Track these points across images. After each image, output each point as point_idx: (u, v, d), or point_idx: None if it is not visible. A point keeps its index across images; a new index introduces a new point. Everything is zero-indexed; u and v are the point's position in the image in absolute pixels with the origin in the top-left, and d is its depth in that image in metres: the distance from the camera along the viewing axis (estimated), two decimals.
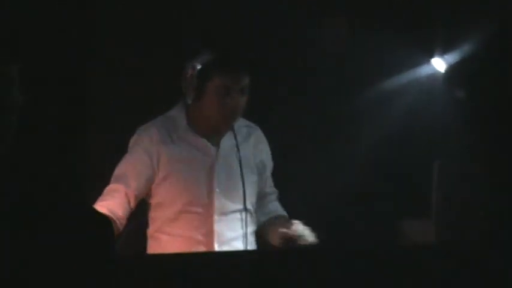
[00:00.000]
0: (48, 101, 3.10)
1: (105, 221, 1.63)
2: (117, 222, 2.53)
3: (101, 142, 3.23)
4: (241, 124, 2.76)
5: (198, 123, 2.69)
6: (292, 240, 2.53)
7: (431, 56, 3.36)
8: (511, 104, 3.09)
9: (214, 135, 2.70)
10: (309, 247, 2.52)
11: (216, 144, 2.70)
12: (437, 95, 3.37)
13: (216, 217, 2.65)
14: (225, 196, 2.67)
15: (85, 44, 3.24)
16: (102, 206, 2.52)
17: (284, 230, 2.56)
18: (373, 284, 2.10)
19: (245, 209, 2.68)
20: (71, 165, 3.14)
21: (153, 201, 2.67)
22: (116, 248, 1.70)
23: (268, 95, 3.35)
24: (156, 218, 2.68)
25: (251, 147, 2.76)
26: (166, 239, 2.65)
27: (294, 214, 2.85)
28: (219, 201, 2.66)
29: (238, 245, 2.67)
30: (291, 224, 2.57)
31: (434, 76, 3.37)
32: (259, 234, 2.81)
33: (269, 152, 2.84)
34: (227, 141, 2.70)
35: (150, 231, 2.70)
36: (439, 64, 3.36)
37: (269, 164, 2.83)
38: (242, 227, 2.69)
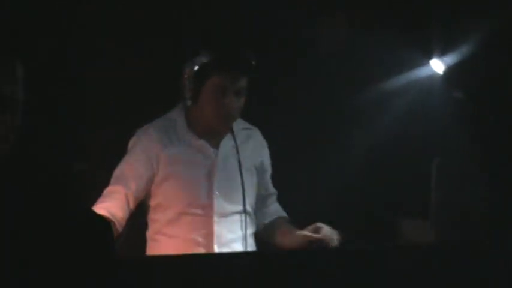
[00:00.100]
0: (47, 101, 3.10)
1: (104, 222, 1.63)
2: (117, 223, 2.52)
3: (101, 143, 3.23)
4: (241, 126, 2.76)
5: (197, 124, 2.69)
6: (320, 243, 2.50)
7: (430, 58, 3.37)
8: (508, 104, 3.09)
9: (213, 137, 2.70)
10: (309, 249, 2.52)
11: (216, 146, 2.70)
12: (435, 96, 3.37)
13: (215, 219, 2.65)
14: (225, 198, 2.67)
15: (85, 44, 3.24)
16: (102, 207, 2.52)
17: (308, 233, 2.53)
18: (373, 284, 2.10)
19: (244, 211, 2.68)
20: (70, 166, 3.14)
21: (153, 202, 2.67)
22: (116, 249, 1.70)
23: (267, 96, 3.35)
24: (156, 220, 2.67)
25: (250, 149, 2.76)
26: (166, 240, 2.65)
27: (293, 214, 2.86)
28: (218, 203, 2.66)
29: (237, 247, 2.67)
30: (319, 227, 2.54)
31: (433, 77, 3.38)
32: (261, 236, 2.81)
33: (268, 154, 2.84)
34: (226, 143, 2.70)
35: (149, 232, 2.70)
36: (437, 65, 3.36)
37: (268, 166, 2.83)
38: (241, 229, 2.69)
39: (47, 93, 3.10)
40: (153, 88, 3.28)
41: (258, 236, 2.80)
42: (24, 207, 1.52)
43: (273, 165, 2.86)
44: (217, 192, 2.66)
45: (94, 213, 1.66)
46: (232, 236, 2.67)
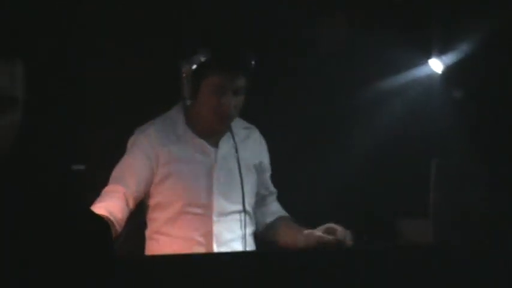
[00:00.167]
0: (47, 101, 3.10)
1: (103, 222, 1.63)
2: (116, 223, 2.51)
3: (101, 143, 3.23)
4: (240, 125, 2.76)
5: (196, 123, 2.69)
6: (335, 245, 2.48)
7: (429, 57, 3.37)
8: (508, 103, 3.09)
9: (212, 136, 2.70)
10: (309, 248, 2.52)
11: (215, 145, 2.70)
12: (434, 95, 3.37)
13: (214, 218, 2.65)
14: (224, 197, 2.67)
15: (85, 44, 3.24)
16: (101, 207, 2.51)
17: (321, 234, 2.50)
18: (373, 284, 2.10)
19: (244, 210, 2.68)
20: (69, 165, 3.14)
21: (152, 202, 2.67)
22: (115, 249, 1.70)
23: (267, 96, 3.36)
24: (155, 219, 2.67)
25: (250, 148, 2.76)
26: (165, 240, 2.65)
27: (293, 214, 2.86)
28: (217, 202, 2.65)
29: (236, 246, 2.67)
30: (333, 228, 2.51)
31: (432, 77, 3.38)
32: (263, 236, 2.81)
33: (267, 153, 2.84)
34: (226, 142, 2.70)
35: (148, 232, 2.70)
36: (436, 65, 3.36)
37: (268, 165, 2.83)
38: (241, 228, 2.69)
39: (47, 93, 3.10)
40: (153, 88, 3.28)
41: (259, 236, 2.81)
42: (24, 207, 1.52)
43: (273, 165, 2.86)
44: (216, 192, 2.66)
45: (93, 213, 1.66)
46: (232, 236, 2.67)
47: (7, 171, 1.59)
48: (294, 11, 3.39)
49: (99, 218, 1.65)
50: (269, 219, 2.81)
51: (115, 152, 2.71)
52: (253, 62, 2.62)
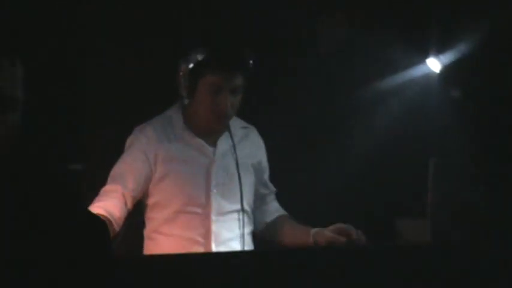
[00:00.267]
0: (47, 101, 3.10)
1: (101, 222, 1.63)
2: (114, 222, 2.50)
3: (101, 143, 3.23)
4: (238, 125, 2.75)
5: (193, 123, 2.69)
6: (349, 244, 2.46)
7: (426, 56, 3.37)
8: (506, 102, 3.09)
9: (210, 135, 2.70)
10: (308, 247, 2.52)
11: (213, 144, 2.70)
12: (432, 95, 3.37)
13: (213, 217, 2.65)
14: (222, 196, 2.67)
15: (85, 44, 3.24)
16: (99, 206, 2.51)
17: (333, 234, 2.49)
18: (373, 284, 2.10)
19: (242, 210, 2.68)
20: (68, 165, 3.14)
21: (150, 201, 2.66)
22: (113, 248, 1.70)
23: (267, 96, 3.36)
24: (153, 218, 2.67)
25: (248, 147, 2.76)
26: (163, 239, 2.64)
27: (293, 214, 2.85)
28: (216, 202, 2.65)
29: (235, 246, 2.66)
30: (344, 228, 2.49)
31: (429, 76, 3.38)
32: (264, 235, 2.81)
33: (265, 153, 2.84)
34: (224, 141, 2.70)
35: (146, 231, 2.70)
36: (434, 64, 3.36)
37: (266, 164, 2.83)
38: (239, 228, 2.68)
39: (47, 93, 3.10)
40: (153, 88, 3.28)
41: (259, 235, 2.81)
42: (23, 207, 1.52)
43: (273, 165, 2.86)
44: (214, 191, 2.66)
45: (91, 213, 1.66)
46: (230, 235, 2.67)
47: (7, 171, 1.59)
48: (294, 11, 3.39)
49: (97, 218, 1.65)
50: (269, 219, 2.81)
51: (115, 152, 2.71)
52: (251, 61, 2.61)
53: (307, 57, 3.49)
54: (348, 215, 3.23)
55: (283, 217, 2.82)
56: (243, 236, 2.68)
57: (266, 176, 2.83)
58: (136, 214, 2.67)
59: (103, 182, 2.63)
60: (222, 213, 2.66)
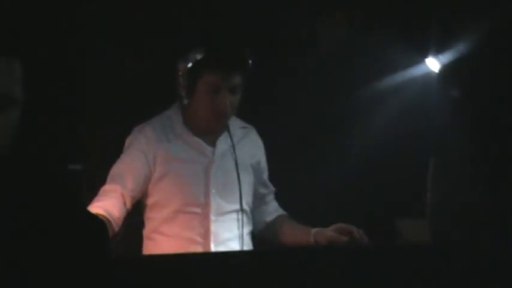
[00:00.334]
0: (47, 101, 3.10)
1: (100, 222, 1.63)
2: (113, 222, 2.51)
3: (100, 142, 3.23)
4: (237, 125, 2.76)
5: (193, 122, 2.69)
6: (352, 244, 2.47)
7: (426, 56, 3.37)
8: (505, 102, 3.09)
9: (209, 135, 2.70)
10: (307, 247, 2.52)
11: (212, 144, 2.70)
12: (431, 95, 3.37)
13: (212, 217, 2.65)
14: (221, 196, 2.67)
15: (85, 44, 3.24)
16: (98, 206, 2.51)
17: (335, 234, 2.49)
18: (373, 284, 2.10)
19: (241, 210, 2.68)
20: (68, 165, 3.14)
21: (149, 201, 2.67)
22: (112, 248, 1.70)
23: (267, 96, 3.36)
24: (152, 218, 2.67)
25: (247, 147, 2.76)
26: (163, 239, 2.65)
27: (293, 214, 2.86)
28: (215, 202, 2.65)
29: (234, 246, 2.67)
30: (346, 228, 2.50)
31: (429, 76, 3.38)
32: (263, 234, 2.81)
33: (264, 153, 2.84)
34: (223, 141, 2.70)
35: (146, 231, 2.70)
36: (433, 64, 3.36)
37: (265, 165, 2.83)
38: (238, 228, 2.69)
39: (47, 93, 3.10)
40: (152, 88, 3.28)
41: (258, 235, 2.81)
42: (23, 207, 1.52)
43: (273, 165, 2.86)
44: (214, 191, 2.66)
45: (90, 213, 1.66)
46: (229, 235, 2.67)
47: (7, 171, 1.59)
48: (294, 11, 3.39)
49: (97, 218, 1.65)
50: (269, 218, 2.82)
51: (115, 152, 2.71)
52: (250, 61, 2.61)
53: (307, 57, 3.49)
54: (348, 215, 3.24)
55: (282, 217, 2.82)
56: (242, 236, 2.68)
57: (265, 175, 2.84)
58: (136, 214, 2.68)
59: (103, 182, 2.64)
60: (221, 213, 2.66)
